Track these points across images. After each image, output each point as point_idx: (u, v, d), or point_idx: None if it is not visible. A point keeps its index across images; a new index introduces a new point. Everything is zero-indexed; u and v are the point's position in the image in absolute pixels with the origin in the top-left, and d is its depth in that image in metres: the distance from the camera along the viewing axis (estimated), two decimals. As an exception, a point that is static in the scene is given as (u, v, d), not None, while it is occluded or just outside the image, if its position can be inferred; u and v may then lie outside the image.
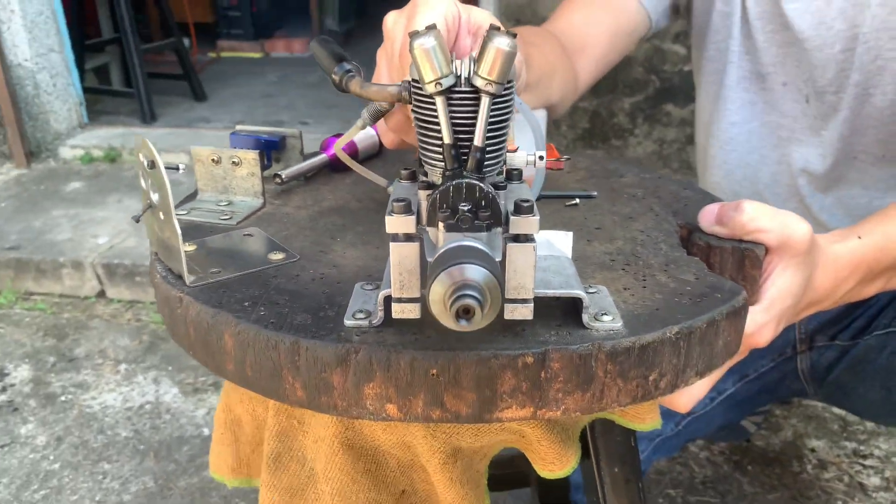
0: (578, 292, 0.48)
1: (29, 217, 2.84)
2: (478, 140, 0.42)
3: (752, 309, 0.62)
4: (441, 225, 0.41)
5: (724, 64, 1.07)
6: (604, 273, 0.58)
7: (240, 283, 0.57)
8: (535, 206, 0.45)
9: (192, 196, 0.74)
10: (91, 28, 4.19)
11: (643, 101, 2.84)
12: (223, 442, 0.71)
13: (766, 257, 0.63)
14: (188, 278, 0.56)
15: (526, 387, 0.47)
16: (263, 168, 0.77)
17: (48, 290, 2.58)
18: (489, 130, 0.44)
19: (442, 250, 0.40)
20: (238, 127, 0.79)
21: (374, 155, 0.87)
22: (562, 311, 0.51)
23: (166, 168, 0.54)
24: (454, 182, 0.41)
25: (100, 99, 3.89)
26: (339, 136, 0.84)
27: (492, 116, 0.44)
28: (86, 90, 3.61)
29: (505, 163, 0.51)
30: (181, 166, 0.58)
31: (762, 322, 0.62)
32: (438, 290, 0.38)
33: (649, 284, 0.56)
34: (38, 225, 2.78)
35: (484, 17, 0.63)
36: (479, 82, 0.41)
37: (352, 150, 0.83)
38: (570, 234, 0.60)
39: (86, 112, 3.54)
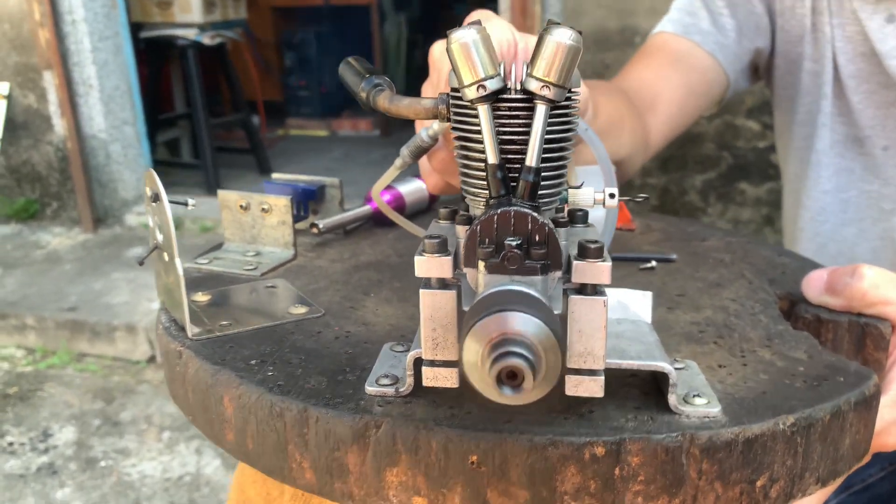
0: (663, 365, 0.37)
1: (90, 280, 2.86)
2: (531, 159, 0.33)
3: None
4: (482, 265, 0.32)
5: (815, 127, 0.97)
6: (691, 346, 0.47)
7: (251, 339, 0.48)
8: (606, 251, 0.35)
9: (218, 246, 0.66)
10: (165, 103, 4.35)
11: (716, 178, 2.72)
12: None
13: (893, 336, 0.51)
14: (191, 330, 0.48)
15: (595, 487, 0.36)
16: (297, 217, 0.70)
17: (101, 352, 2.56)
18: (546, 150, 0.34)
19: (481, 296, 0.30)
20: (274, 175, 0.72)
21: (424, 210, 0.78)
22: (640, 390, 0.40)
23: (171, 202, 0.46)
24: (500, 210, 0.32)
25: (169, 170, 4.00)
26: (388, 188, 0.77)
27: (550, 132, 0.34)
28: (156, 162, 3.71)
29: (566, 201, 0.42)
30: (190, 201, 0.51)
31: (891, 419, 0.50)
32: (474, 347, 0.28)
33: (750, 362, 0.45)
34: (97, 287, 2.80)
35: None
36: (533, 85, 0.32)
37: (398, 205, 0.75)
38: (650, 294, 0.50)
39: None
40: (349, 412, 0.38)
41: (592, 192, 0.42)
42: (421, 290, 0.35)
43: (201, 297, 0.54)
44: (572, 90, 0.35)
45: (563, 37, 0.31)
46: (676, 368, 0.42)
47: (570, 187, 0.42)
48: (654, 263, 0.64)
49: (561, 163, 0.36)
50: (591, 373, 0.36)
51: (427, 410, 0.38)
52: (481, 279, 0.32)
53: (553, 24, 0.33)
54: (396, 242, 0.69)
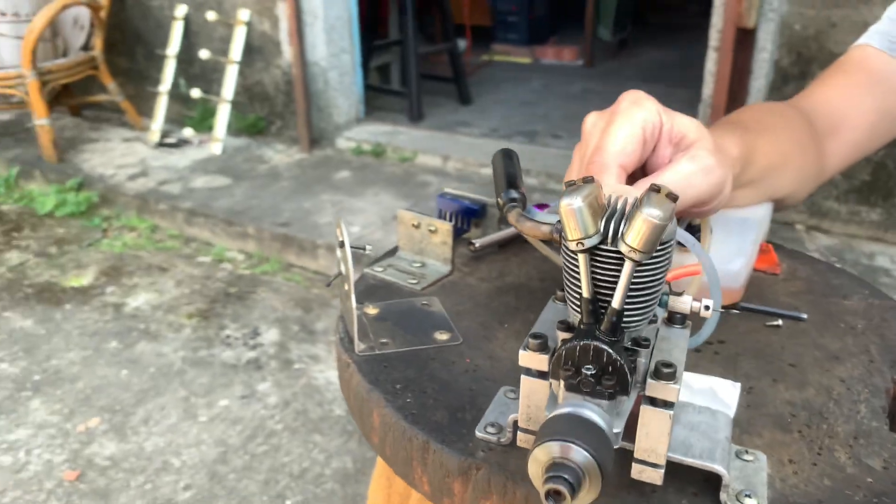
0: (718, 468, 0.44)
1: (301, 198, 3.21)
2: (616, 303, 0.41)
3: None
4: (562, 383, 0.41)
5: None
6: (774, 433, 0.53)
7: (400, 360, 0.60)
8: (679, 373, 0.42)
9: (393, 252, 0.79)
10: (381, 29, 4.60)
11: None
12: (379, 483, 0.76)
13: None
14: (358, 346, 0.61)
15: (646, 551, 0.45)
16: (460, 231, 0.81)
17: (305, 265, 2.90)
18: (633, 291, 0.42)
19: (556, 413, 0.39)
20: (446, 190, 0.83)
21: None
22: (703, 476, 0.47)
23: (353, 248, 0.59)
24: (582, 342, 0.40)
25: (378, 96, 4.27)
26: (544, 206, 0.85)
27: (637, 278, 0.42)
28: (367, 87, 3.98)
29: (666, 304, 0.49)
30: (368, 248, 0.63)
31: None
32: (538, 459, 0.37)
33: (822, 462, 0.50)
34: (307, 206, 3.14)
35: (688, 125, 0.59)
36: (623, 248, 0.39)
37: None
38: (738, 385, 0.55)
39: (363, 108, 3.91)
40: (458, 452, 0.49)
41: (690, 300, 0.48)
42: (522, 376, 0.45)
43: (371, 310, 0.67)
44: (663, 244, 0.42)
45: (652, 215, 0.38)
46: (744, 460, 0.48)
47: (673, 293, 0.49)
48: (780, 322, 0.68)
49: (648, 298, 0.43)
50: (654, 465, 0.44)
51: (518, 463, 0.48)
52: (560, 393, 0.41)
53: (651, 194, 0.39)
54: (543, 263, 0.78)
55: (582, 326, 0.42)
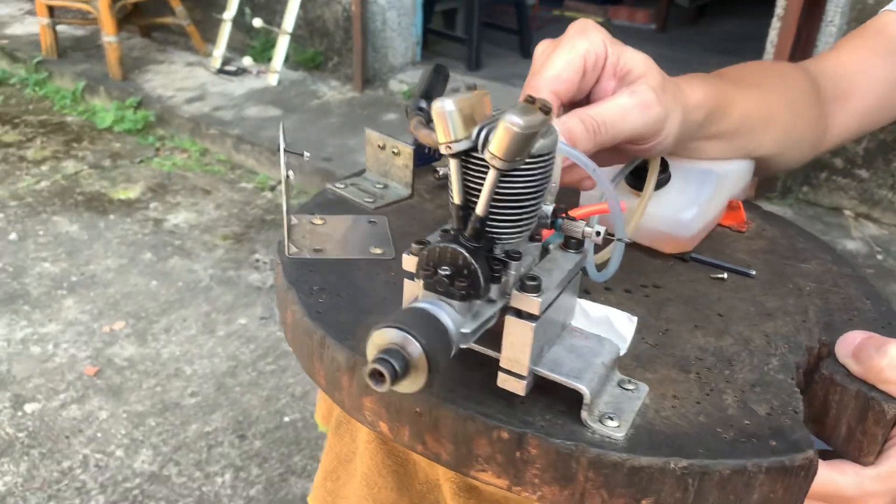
0: (580, 386, 0.45)
1: (346, 135, 3.25)
2: (479, 209, 0.41)
3: (863, 471, 0.52)
4: (421, 282, 0.42)
5: None
6: (671, 371, 0.53)
7: (327, 266, 0.62)
8: (543, 286, 0.43)
9: (360, 173, 0.80)
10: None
11: None
12: (322, 393, 0.79)
13: (897, 417, 0.51)
14: (289, 249, 0.63)
15: (501, 459, 0.46)
16: (429, 161, 0.81)
17: (342, 201, 2.94)
18: (501, 201, 0.42)
19: (407, 306, 0.40)
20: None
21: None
22: (577, 396, 0.48)
23: (290, 153, 0.60)
24: (441, 245, 0.41)
25: (438, 41, 4.23)
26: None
27: (505, 188, 0.42)
28: (429, 31, 3.95)
29: (560, 227, 0.49)
30: (306, 154, 0.64)
31: (872, 491, 0.51)
32: (374, 342, 0.39)
33: (707, 403, 0.50)
34: (351, 143, 3.17)
35: (636, 60, 0.58)
36: (486, 155, 0.39)
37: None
38: (635, 319, 0.55)
39: (420, 51, 3.89)
40: (349, 349, 0.51)
41: (583, 224, 0.48)
42: (405, 280, 0.46)
43: (317, 221, 0.69)
44: (538, 157, 0.42)
45: (513, 123, 0.38)
46: (624, 388, 0.49)
47: (569, 218, 0.49)
48: (725, 275, 0.67)
49: (520, 210, 0.43)
50: (517, 375, 0.45)
51: (399, 364, 0.50)
52: (420, 292, 0.42)
53: (523, 105, 0.39)
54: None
55: (452, 231, 0.43)
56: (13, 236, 2.49)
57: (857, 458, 0.53)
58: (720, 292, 0.65)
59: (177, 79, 3.88)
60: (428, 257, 0.42)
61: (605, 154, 0.63)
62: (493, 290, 0.43)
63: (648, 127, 0.57)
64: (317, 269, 0.61)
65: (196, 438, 1.62)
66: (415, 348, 0.38)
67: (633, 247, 0.71)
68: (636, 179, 0.69)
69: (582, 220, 0.49)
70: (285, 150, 0.60)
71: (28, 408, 1.70)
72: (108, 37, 3.72)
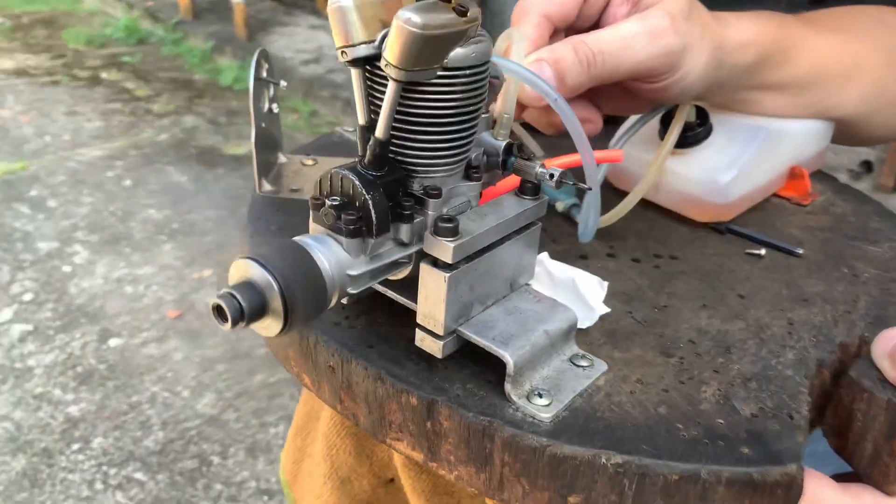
0: (502, 352, 0.37)
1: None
2: (378, 131, 0.34)
3: (885, 501, 0.41)
4: (311, 213, 0.36)
5: None
6: (647, 352, 0.44)
7: (297, 207, 0.57)
8: (463, 230, 0.36)
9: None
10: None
11: None
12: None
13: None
14: (263, 187, 0.58)
15: (413, 428, 0.40)
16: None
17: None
18: (411, 123, 0.35)
19: (281, 240, 0.34)
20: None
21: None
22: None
23: (265, 80, 0.56)
24: (333, 171, 0.35)
25: None
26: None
27: (414, 106, 0.35)
28: None
29: (513, 168, 0.41)
30: (283, 83, 0.59)
31: None
32: (231, 274, 0.33)
33: (677, 393, 0.41)
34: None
35: None
36: (382, 62, 0.32)
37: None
38: (606, 284, 0.46)
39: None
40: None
41: (537, 165, 0.40)
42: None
43: (308, 162, 0.64)
44: (459, 69, 0.34)
45: (408, 21, 0.31)
46: (575, 363, 0.41)
47: (522, 158, 0.41)
48: (763, 252, 0.56)
49: (437, 136, 0.36)
50: (433, 334, 0.38)
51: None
52: (310, 224, 0.36)
53: (429, 4, 0.32)
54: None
55: (357, 157, 0.36)
56: (127, 182, 2.63)
57: (881, 484, 0.42)
58: (751, 270, 0.54)
59: (298, 41, 3.97)
60: (321, 185, 0.36)
61: (615, 96, 0.54)
62: (404, 232, 0.37)
63: (658, 59, 0.47)
64: (283, 209, 0.57)
65: (259, 388, 1.65)
66: (269, 286, 0.32)
67: (660, 212, 0.61)
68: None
69: (544, 163, 0.41)
70: (258, 79, 0.55)
71: (112, 342, 1.79)
72: (237, -2, 3.85)
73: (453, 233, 0.36)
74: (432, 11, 0.32)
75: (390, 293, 0.41)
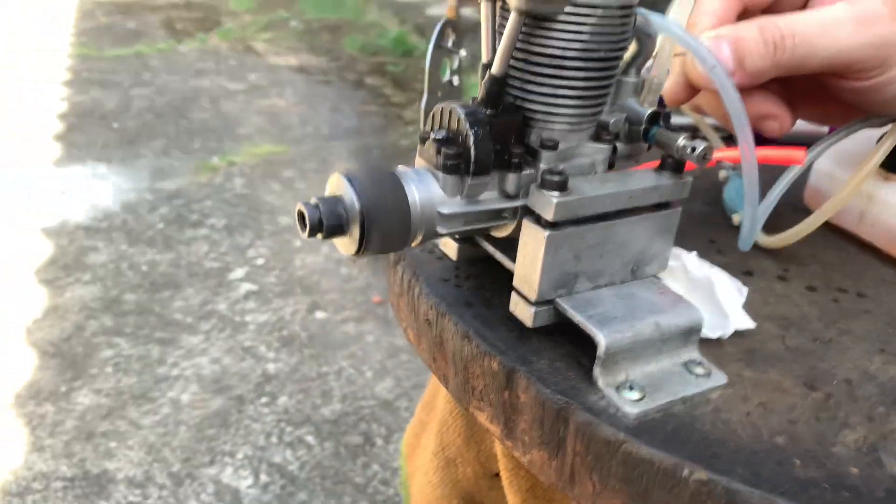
0: (595, 331, 0.34)
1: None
2: (495, 67, 0.32)
3: None
4: (418, 146, 0.35)
5: None
6: (787, 381, 0.37)
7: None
8: (572, 187, 0.33)
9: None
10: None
11: None
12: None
13: None
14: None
15: (493, 399, 0.37)
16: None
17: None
18: (534, 64, 0.32)
19: (375, 166, 0.34)
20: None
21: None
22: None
23: (451, 51, 0.57)
24: (444, 104, 0.34)
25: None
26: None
27: (542, 49, 0.32)
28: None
29: (653, 140, 0.37)
30: (463, 53, 0.59)
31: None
32: (328, 184, 0.33)
33: (809, 429, 0.34)
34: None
35: None
36: (506, -8, 0.30)
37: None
38: (745, 290, 0.39)
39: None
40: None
41: (681, 138, 0.36)
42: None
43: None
44: (591, 7, 0.31)
45: None
46: (689, 370, 0.36)
47: (668, 126, 0.37)
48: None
49: (568, 85, 0.33)
50: (527, 300, 0.36)
51: (434, 267, 0.43)
52: (416, 157, 0.35)
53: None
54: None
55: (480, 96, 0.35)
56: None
57: None
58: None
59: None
60: (432, 119, 0.35)
61: (814, 96, 0.46)
62: (511, 182, 0.35)
63: (865, 50, 0.40)
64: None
65: (435, 384, 1.68)
66: (353, 207, 0.32)
67: (862, 246, 0.52)
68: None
69: (692, 138, 0.36)
70: (438, 47, 0.56)
71: (317, 315, 1.94)
72: (496, 21, 4.02)
73: (560, 187, 0.33)
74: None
75: (495, 253, 0.39)
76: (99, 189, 2.60)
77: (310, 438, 1.50)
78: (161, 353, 1.75)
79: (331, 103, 3.72)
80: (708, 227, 0.52)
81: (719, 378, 0.36)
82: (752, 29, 0.41)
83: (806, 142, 0.50)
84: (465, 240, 0.42)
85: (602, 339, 0.34)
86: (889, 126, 0.47)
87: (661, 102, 0.41)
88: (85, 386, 1.63)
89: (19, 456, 1.44)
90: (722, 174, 0.59)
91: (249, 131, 3.27)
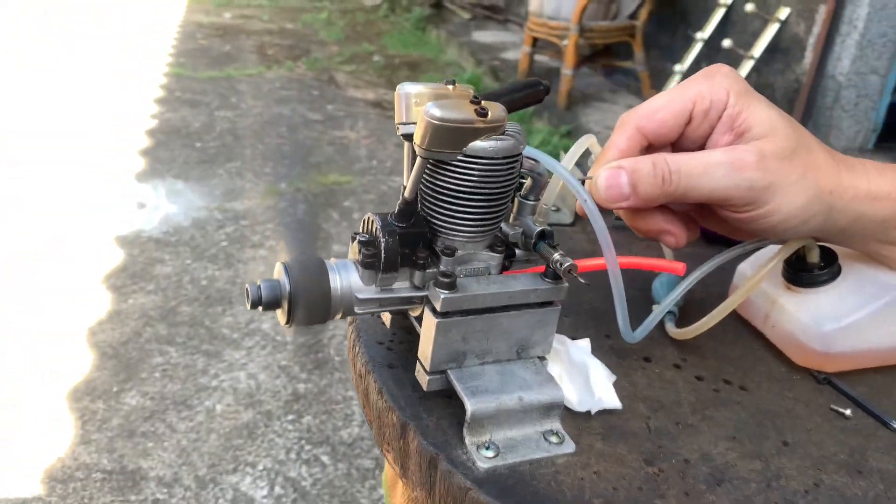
0: (466, 400, 0.43)
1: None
2: (407, 192, 0.42)
3: None
4: (351, 243, 0.46)
5: None
6: (629, 454, 0.45)
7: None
8: (460, 286, 0.43)
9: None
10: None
11: None
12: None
13: None
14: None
15: (395, 444, 0.47)
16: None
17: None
18: (436, 192, 0.43)
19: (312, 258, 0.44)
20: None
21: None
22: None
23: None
24: (369, 214, 0.44)
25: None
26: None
27: (444, 182, 0.42)
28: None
29: (538, 249, 0.46)
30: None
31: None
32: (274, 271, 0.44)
33: (625, 496, 0.42)
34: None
35: (762, 119, 0.50)
36: (411, 139, 0.41)
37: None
38: (613, 378, 0.48)
39: (875, 139, 3.42)
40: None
41: (555, 254, 0.45)
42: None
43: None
44: (481, 158, 0.42)
45: (431, 114, 0.39)
46: (547, 439, 0.45)
47: (548, 243, 0.46)
48: (848, 412, 0.53)
49: (465, 209, 0.43)
50: (424, 368, 0.46)
51: (376, 331, 0.54)
52: (349, 251, 0.46)
53: (444, 97, 0.40)
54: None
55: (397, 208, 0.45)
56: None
57: None
58: (820, 424, 0.51)
59: (609, 116, 4.11)
60: (362, 224, 0.46)
61: (714, 216, 0.55)
62: (417, 276, 0.45)
63: (736, 191, 0.49)
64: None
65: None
66: (284, 287, 0.42)
67: (768, 346, 0.60)
68: (794, 273, 0.58)
69: (561, 254, 0.46)
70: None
71: (354, 341, 2.08)
72: (566, 70, 4.12)
73: (448, 286, 0.43)
74: (454, 109, 0.40)
75: (416, 325, 0.49)
76: (173, 204, 2.82)
77: (325, 458, 1.61)
78: (205, 364, 1.90)
79: (398, 139, 3.89)
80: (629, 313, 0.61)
81: (569, 446, 0.44)
82: (647, 163, 0.50)
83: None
84: (397, 313, 0.52)
85: (469, 407, 0.43)
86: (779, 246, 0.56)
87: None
88: (134, 388, 1.80)
89: (68, 446, 1.60)
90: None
91: (319, 160, 3.46)
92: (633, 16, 4.24)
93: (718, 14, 3.93)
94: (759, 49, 3.59)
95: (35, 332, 1.98)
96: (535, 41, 4.56)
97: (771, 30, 3.56)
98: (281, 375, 1.89)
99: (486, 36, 5.86)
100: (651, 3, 4.10)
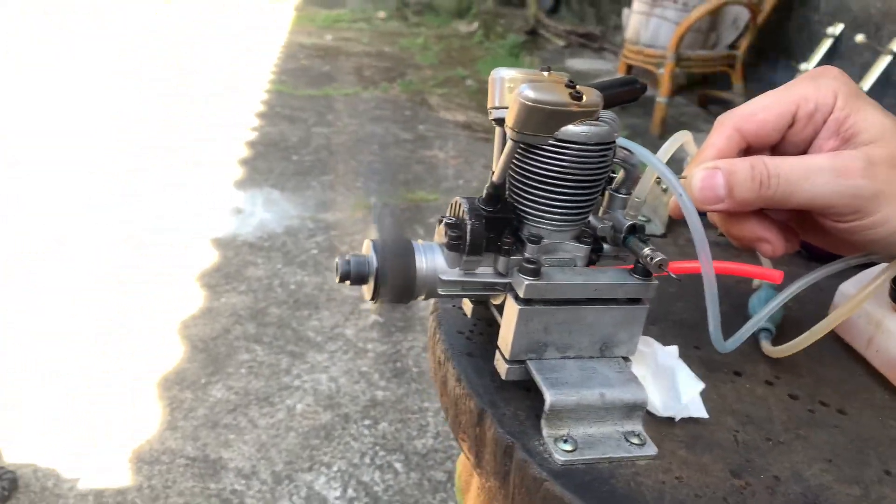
0: (546, 390, 0.42)
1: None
2: (495, 175, 0.42)
3: None
4: (437, 226, 0.46)
5: None
6: (717, 467, 0.43)
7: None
8: (545, 274, 0.42)
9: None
10: None
11: None
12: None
13: None
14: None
15: (470, 432, 0.47)
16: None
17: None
18: (525, 178, 0.42)
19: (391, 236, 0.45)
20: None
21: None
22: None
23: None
24: (457, 198, 0.44)
25: None
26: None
27: (528, 164, 0.42)
28: None
29: (630, 244, 0.45)
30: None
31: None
32: (363, 246, 0.45)
33: (696, 498, 0.40)
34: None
35: (871, 124, 0.48)
36: (504, 124, 0.41)
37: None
38: (701, 386, 0.45)
39: None
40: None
41: (647, 248, 0.44)
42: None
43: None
44: (574, 143, 0.41)
45: (524, 95, 0.39)
46: (629, 440, 0.43)
47: (640, 237, 0.45)
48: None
49: (553, 196, 0.43)
50: (504, 358, 0.45)
51: (457, 320, 0.54)
52: (435, 234, 0.46)
53: (538, 79, 0.40)
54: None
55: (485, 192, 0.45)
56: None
57: None
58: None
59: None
60: (450, 207, 0.46)
61: (815, 227, 0.52)
62: (501, 262, 0.44)
63: (839, 199, 0.46)
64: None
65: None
66: (372, 264, 0.43)
67: (870, 371, 0.56)
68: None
69: (653, 250, 0.44)
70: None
71: (432, 354, 2.09)
72: (661, 98, 4.05)
73: (532, 273, 0.42)
74: (549, 91, 0.40)
75: (496, 314, 0.48)
76: (269, 212, 2.92)
77: (398, 465, 1.62)
78: (289, 364, 1.95)
79: (486, 160, 3.91)
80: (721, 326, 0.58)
81: (651, 449, 0.43)
82: (745, 165, 0.48)
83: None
84: (479, 302, 0.52)
85: (548, 397, 0.42)
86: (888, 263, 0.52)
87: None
88: (220, 381, 1.86)
89: (156, 431, 1.67)
90: (755, 282, 0.65)
91: (408, 177, 3.51)
92: (733, 45, 4.13)
93: (825, 45, 3.77)
94: (868, 82, 3.42)
95: (131, 328, 2.09)
96: (629, 68, 4.50)
97: (883, 62, 3.38)
98: (360, 381, 1.91)
99: (581, 63, 5.84)
100: (753, 33, 3.99)
